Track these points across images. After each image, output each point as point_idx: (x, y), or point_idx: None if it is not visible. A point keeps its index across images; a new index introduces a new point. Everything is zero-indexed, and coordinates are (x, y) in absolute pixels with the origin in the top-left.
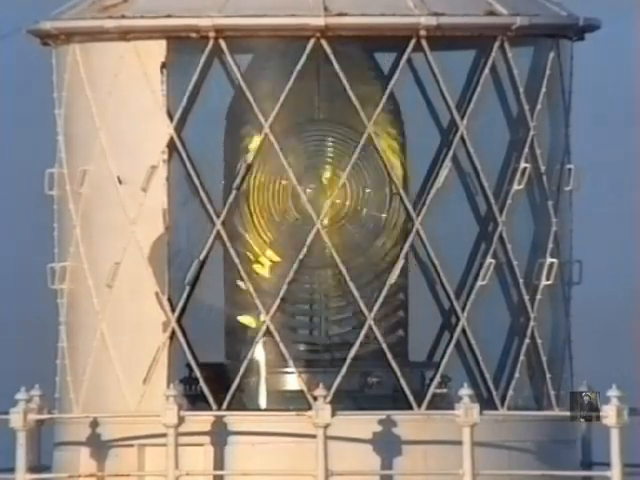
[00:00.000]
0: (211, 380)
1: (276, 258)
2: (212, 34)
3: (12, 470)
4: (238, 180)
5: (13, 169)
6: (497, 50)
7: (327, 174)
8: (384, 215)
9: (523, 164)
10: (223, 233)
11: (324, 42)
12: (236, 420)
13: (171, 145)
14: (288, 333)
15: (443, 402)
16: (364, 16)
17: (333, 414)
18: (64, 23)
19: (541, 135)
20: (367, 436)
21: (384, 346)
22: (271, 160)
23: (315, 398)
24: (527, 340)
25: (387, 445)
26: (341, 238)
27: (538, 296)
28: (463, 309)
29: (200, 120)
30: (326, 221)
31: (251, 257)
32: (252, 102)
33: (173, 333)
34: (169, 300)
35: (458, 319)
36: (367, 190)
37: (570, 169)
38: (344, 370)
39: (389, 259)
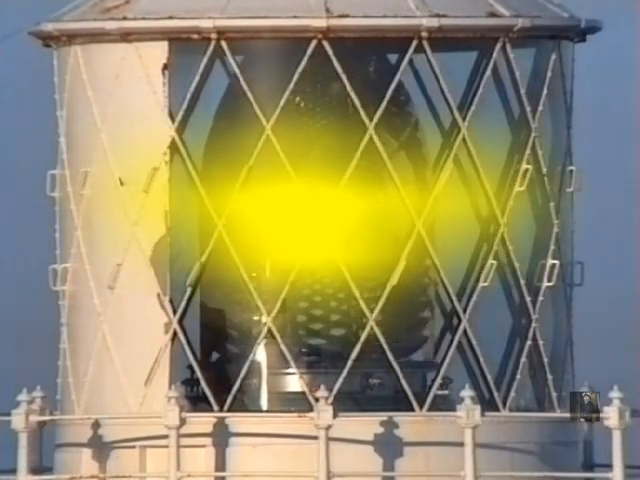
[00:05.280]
0: (213, 381)
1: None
2: (214, 35)
3: (13, 471)
4: (239, 182)
5: (15, 170)
6: (499, 51)
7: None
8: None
9: (525, 165)
10: (225, 234)
11: (326, 43)
12: (238, 421)
13: (173, 146)
14: (290, 334)
15: (445, 403)
16: (366, 17)
17: (335, 415)
18: (66, 25)
19: (543, 136)
20: (369, 437)
21: (385, 347)
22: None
23: (317, 399)
24: (529, 341)
25: (389, 446)
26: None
27: (540, 297)
28: (465, 310)
29: (201, 121)
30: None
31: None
32: (253, 103)
33: (175, 334)
34: (171, 301)
35: (460, 320)
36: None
37: (572, 170)
38: (345, 371)
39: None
